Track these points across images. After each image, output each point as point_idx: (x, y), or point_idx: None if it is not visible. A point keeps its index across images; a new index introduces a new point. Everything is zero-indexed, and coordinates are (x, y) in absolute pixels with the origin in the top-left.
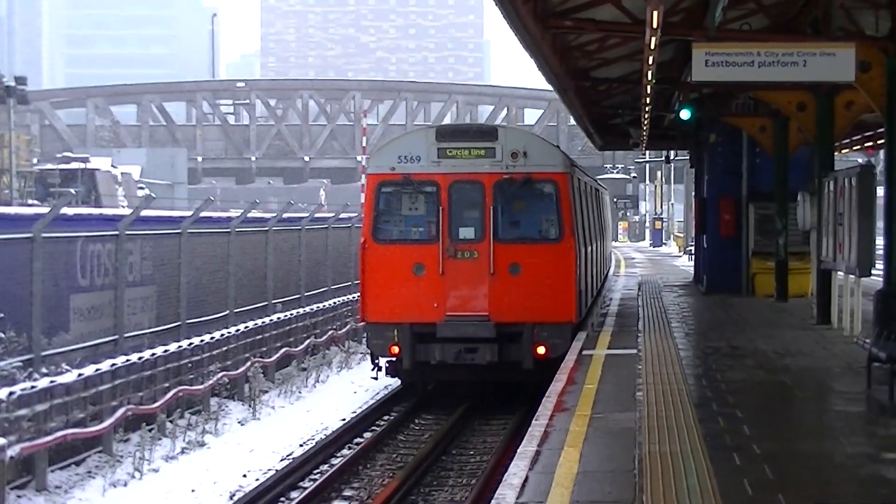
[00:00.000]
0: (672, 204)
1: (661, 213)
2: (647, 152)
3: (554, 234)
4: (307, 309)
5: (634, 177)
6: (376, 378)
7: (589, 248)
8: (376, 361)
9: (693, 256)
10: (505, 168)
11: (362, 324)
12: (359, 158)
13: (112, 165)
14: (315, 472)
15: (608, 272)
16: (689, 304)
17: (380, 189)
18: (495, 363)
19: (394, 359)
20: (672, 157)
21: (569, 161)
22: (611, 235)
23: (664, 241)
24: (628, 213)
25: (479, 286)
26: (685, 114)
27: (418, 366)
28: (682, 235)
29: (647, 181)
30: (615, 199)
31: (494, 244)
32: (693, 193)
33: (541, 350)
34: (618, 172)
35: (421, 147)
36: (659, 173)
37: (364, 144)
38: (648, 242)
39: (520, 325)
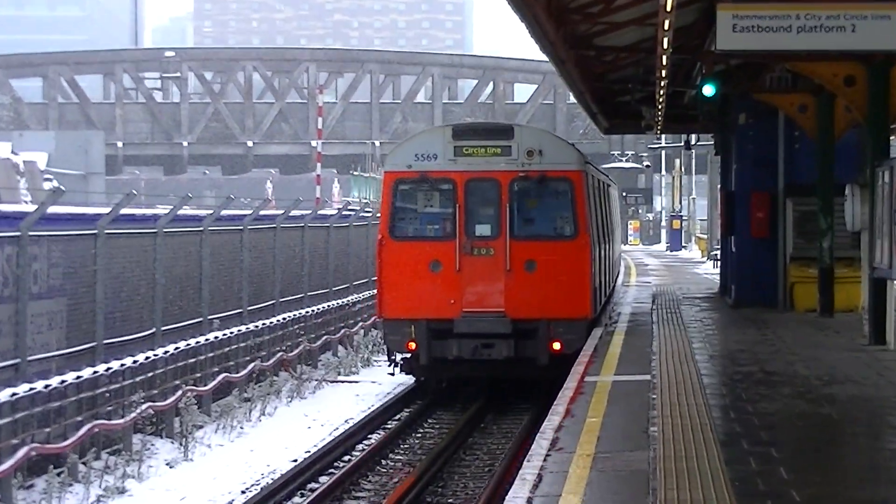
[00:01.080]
0: (693, 199)
1: (680, 211)
2: (663, 137)
3: (569, 231)
4: (251, 326)
5: (647, 166)
6: (393, 374)
7: (602, 247)
8: (392, 358)
9: (719, 263)
10: (520, 166)
11: (378, 320)
12: (313, 144)
13: (12, 152)
14: None
15: (616, 280)
16: (713, 320)
17: (397, 186)
18: (511, 359)
19: (410, 355)
20: (693, 143)
21: (583, 159)
22: (620, 237)
23: (684, 244)
24: (640, 211)
25: (495, 282)
26: (708, 90)
27: (435, 362)
28: (705, 237)
29: (663, 171)
30: (624, 194)
31: (510, 241)
32: (719, 186)
33: (556, 346)
34: (627, 161)
35: (437, 145)
36: (677, 162)
37: (320, 126)
38: (665, 245)
39: (535, 322)
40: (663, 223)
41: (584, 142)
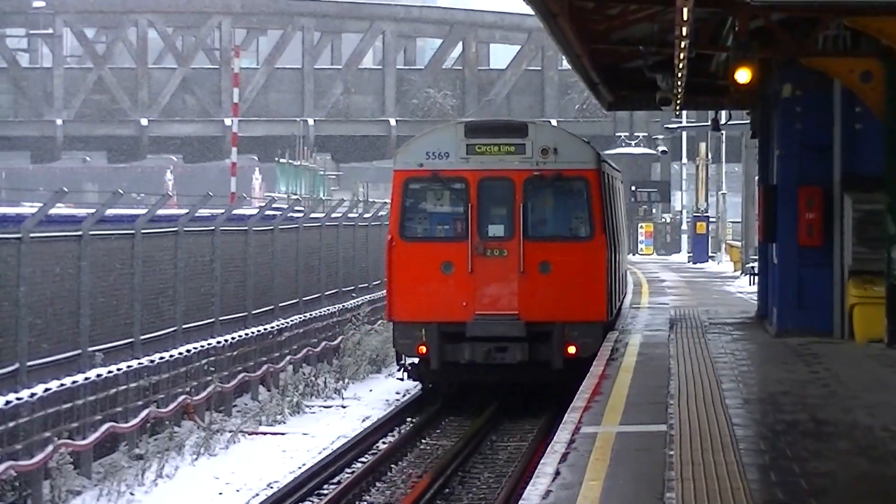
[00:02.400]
0: (723, 195)
1: (706, 210)
2: (684, 114)
3: (584, 231)
4: (145, 361)
5: (664, 152)
6: (402, 379)
7: (616, 249)
8: (402, 363)
9: (756, 278)
10: (535, 165)
11: (390, 322)
12: (227, 122)
13: None
14: None
15: (623, 299)
16: (749, 352)
17: (407, 185)
18: (525, 363)
19: (419, 360)
20: (723, 122)
21: (599, 157)
22: (626, 243)
23: (711, 254)
24: (654, 210)
25: (508, 284)
26: (743, 76)
27: (446, 366)
28: (738, 245)
29: (684, 159)
30: (634, 188)
31: (524, 242)
32: (756, 179)
33: (571, 350)
34: (637, 145)
35: (450, 143)
36: (702, 147)
37: (236, 100)
38: (686, 256)
39: (550, 325)
40: (684, 226)
41: (582, 120)
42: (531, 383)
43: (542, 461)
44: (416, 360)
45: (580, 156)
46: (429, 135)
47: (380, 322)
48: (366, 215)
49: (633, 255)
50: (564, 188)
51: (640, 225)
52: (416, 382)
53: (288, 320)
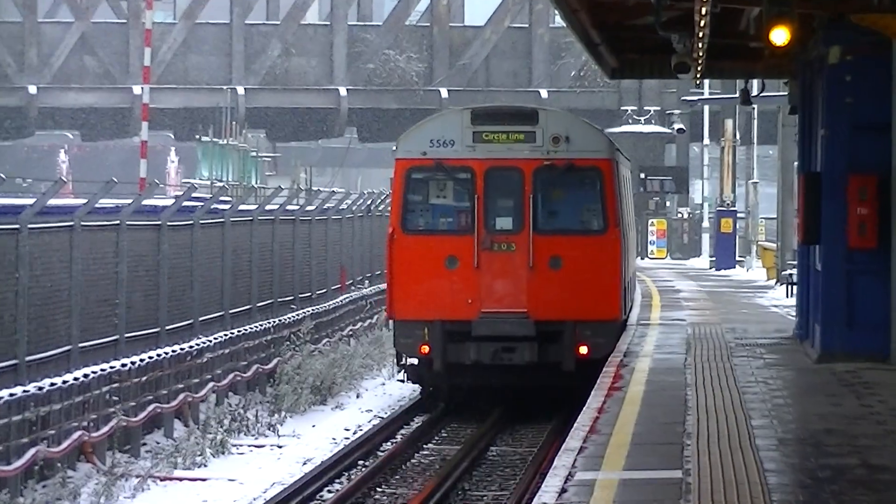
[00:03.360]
0: (755, 185)
1: (733, 204)
2: (706, 84)
3: (597, 225)
4: (31, 388)
5: (680, 131)
6: (403, 381)
7: (628, 246)
8: (402, 363)
9: (795, 288)
10: (545, 154)
11: (390, 320)
12: (137, 90)
13: None
14: None
15: (630, 309)
16: (786, 381)
17: (409, 175)
18: (534, 364)
19: (419, 361)
20: (755, 94)
21: (613, 146)
22: (635, 243)
23: (740, 258)
24: (668, 203)
25: (516, 280)
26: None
27: (450, 367)
28: (773, 247)
29: (706, 140)
30: (644, 175)
31: (534, 235)
32: (795, 165)
33: (583, 350)
34: (647, 122)
35: (455, 130)
36: (729, 125)
37: (147, 63)
38: (708, 260)
39: (561, 323)
40: (706, 223)
41: (579, 91)
42: (540, 386)
43: None
44: (415, 362)
45: (593, 144)
46: (432, 121)
47: (325, 342)
48: (309, 208)
49: (642, 258)
50: (576, 179)
51: (650, 221)
52: (416, 386)
53: (210, 338)
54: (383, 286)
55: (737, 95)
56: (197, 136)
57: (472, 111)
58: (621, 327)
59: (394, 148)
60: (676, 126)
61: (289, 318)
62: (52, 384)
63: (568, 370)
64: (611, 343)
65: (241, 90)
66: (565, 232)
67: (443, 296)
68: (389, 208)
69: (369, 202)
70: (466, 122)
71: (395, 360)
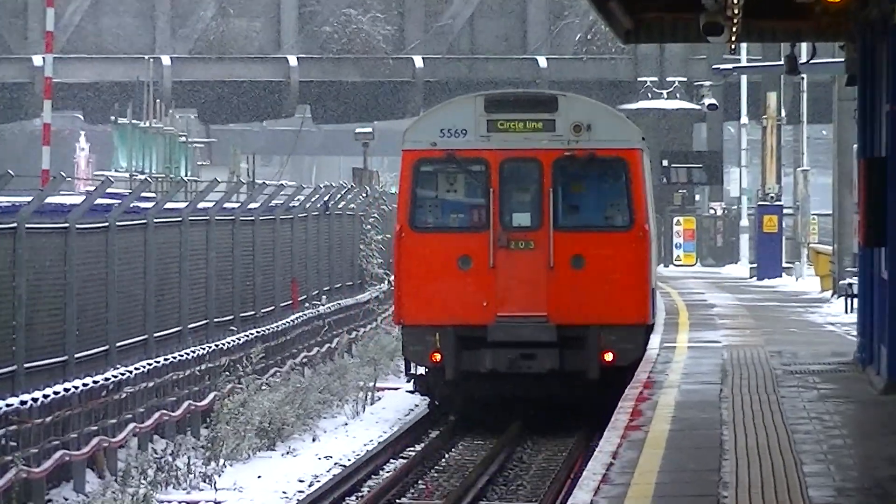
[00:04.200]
0: (805, 173)
1: (778, 197)
2: (743, 49)
3: (623, 220)
4: None
5: (712, 107)
6: (413, 392)
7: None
8: (412, 372)
9: (856, 301)
10: (566, 143)
11: (398, 326)
12: (37, 61)
13: None
14: None
15: (653, 321)
16: (845, 417)
17: (418, 168)
18: (556, 372)
19: (430, 370)
20: (804, 61)
21: (640, 134)
22: (657, 246)
23: (787, 264)
24: (698, 197)
25: (536, 281)
26: None
27: (463, 377)
28: (828, 251)
29: (744, 119)
30: (665, 163)
31: (554, 232)
32: (855, 149)
33: (608, 357)
34: (671, 96)
35: (467, 118)
36: (772, 99)
37: (50, 27)
38: (749, 267)
39: (584, 328)
40: (745, 222)
41: (585, 59)
42: (562, 397)
43: None
44: (424, 371)
45: (619, 133)
46: (443, 109)
47: (274, 372)
48: (252, 206)
49: (665, 266)
50: (600, 170)
51: (675, 220)
52: (384, 429)
53: (130, 368)
54: (344, 302)
55: (781, 63)
56: (112, 118)
57: (485, 97)
58: (649, 332)
59: (402, 140)
60: (707, 101)
61: (228, 342)
62: None
63: (592, 379)
64: (639, 349)
65: (166, 60)
66: (588, 228)
67: (455, 299)
68: (394, 205)
69: (326, 198)
70: (480, 110)
71: (405, 370)
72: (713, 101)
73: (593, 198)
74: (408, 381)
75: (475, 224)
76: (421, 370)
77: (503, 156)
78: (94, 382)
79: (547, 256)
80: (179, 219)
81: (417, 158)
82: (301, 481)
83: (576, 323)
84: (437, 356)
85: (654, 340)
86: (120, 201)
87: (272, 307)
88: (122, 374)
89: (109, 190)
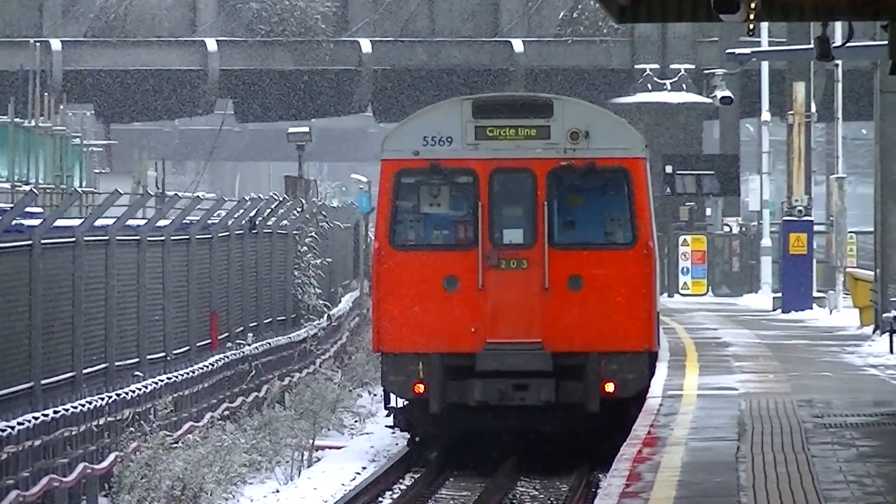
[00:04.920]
0: (841, 181)
1: (807, 209)
2: (763, 29)
3: (625, 237)
4: None
5: (726, 101)
6: (392, 428)
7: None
8: (391, 405)
9: None
10: (562, 152)
11: (378, 354)
12: None
13: None
14: None
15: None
16: (890, 480)
17: (399, 179)
18: (551, 404)
19: (412, 402)
20: (838, 44)
21: (644, 142)
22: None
23: (819, 293)
24: (709, 211)
25: (529, 305)
26: None
27: (449, 410)
28: (868, 276)
29: (765, 115)
30: (668, 169)
31: (549, 250)
32: None
33: (609, 387)
34: (675, 88)
35: (453, 124)
36: (799, 91)
37: None
38: (772, 298)
39: (582, 356)
40: (766, 241)
41: (571, 41)
42: (558, 431)
43: None
44: (405, 404)
45: (620, 140)
46: (427, 114)
47: (189, 427)
48: (161, 223)
49: (670, 295)
50: (600, 182)
51: (682, 239)
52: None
53: (12, 423)
54: (275, 341)
55: (810, 46)
56: None
57: (473, 101)
58: (654, 361)
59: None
60: (720, 94)
61: (133, 391)
62: None
63: (591, 412)
64: (642, 379)
65: (56, 45)
66: (587, 246)
67: (441, 324)
68: (375, 220)
69: (253, 214)
70: (467, 115)
71: (384, 402)
72: (727, 93)
73: (592, 212)
74: (387, 415)
75: (462, 241)
76: (402, 402)
77: (493, 166)
78: None
79: (541, 277)
80: (73, 239)
81: (398, 169)
82: None
83: (573, 350)
84: (421, 387)
85: (657, 387)
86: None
87: (186, 347)
88: (2, 431)
89: None
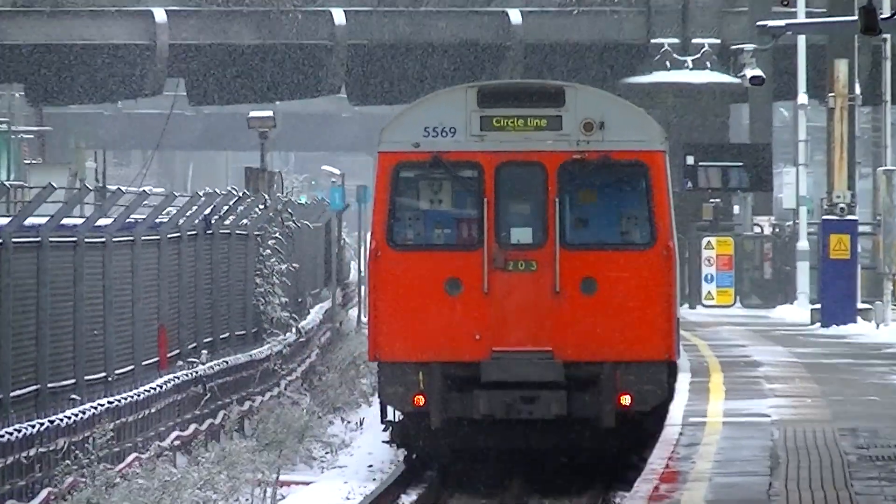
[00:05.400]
0: (889, 175)
1: (850, 207)
2: None
3: (643, 237)
4: None
5: (756, 81)
6: (390, 443)
7: None
8: (388, 420)
9: None
10: (575, 144)
11: (374, 363)
12: None
13: None
14: None
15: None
16: None
17: (398, 174)
18: (563, 419)
19: (410, 415)
20: (886, 15)
21: (663, 133)
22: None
23: (863, 304)
24: (737, 209)
25: (538, 310)
26: None
27: (452, 424)
28: None
29: (803, 97)
30: (689, 160)
31: (561, 251)
32: None
33: (625, 400)
34: (698, 66)
35: (457, 114)
36: (842, 70)
37: None
38: (808, 309)
39: (596, 366)
40: (803, 243)
41: (578, 11)
42: (570, 447)
43: None
44: (401, 417)
45: (637, 132)
46: (428, 102)
47: (134, 459)
48: (103, 222)
49: (691, 306)
50: (615, 177)
51: (705, 241)
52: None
53: None
54: (234, 359)
55: (854, 18)
56: None
57: (478, 89)
58: (674, 372)
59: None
60: (750, 73)
61: (68, 417)
62: None
63: (606, 426)
64: (661, 391)
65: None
66: (601, 246)
67: (442, 330)
68: (372, 217)
69: (208, 211)
70: (472, 104)
71: (380, 416)
72: (758, 72)
73: (607, 209)
74: (384, 430)
75: (466, 241)
76: (399, 416)
77: (499, 159)
78: None
79: (552, 280)
80: None
81: (397, 162)
82: None
83: (586, 360)
84: (421, 399)
85: (676, 412)
86: None
87: (131, 366)
88: None
89: None
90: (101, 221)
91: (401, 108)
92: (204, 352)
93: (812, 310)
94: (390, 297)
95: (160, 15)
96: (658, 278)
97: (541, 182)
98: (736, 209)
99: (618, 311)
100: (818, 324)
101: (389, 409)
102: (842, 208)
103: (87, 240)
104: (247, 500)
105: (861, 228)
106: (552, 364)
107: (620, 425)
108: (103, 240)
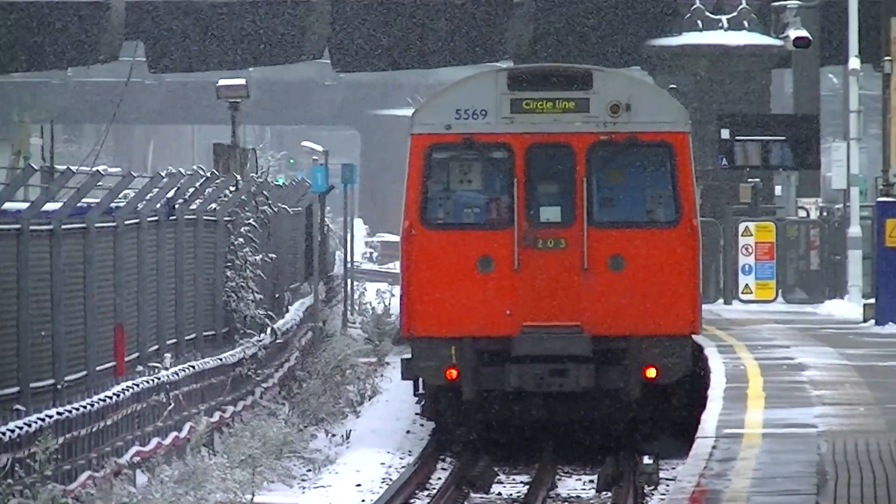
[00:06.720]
0: None
1: None
2: None
3: (668, 215)
4: None
5: (800, 43)
6: (421, 415)
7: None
8: (420, 392)
9: None
10: (602, 126)
11: (408, 339)
12: None
13: None
14: None
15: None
16: None
17: (430, 155)
18: (591, 390)
19: (442, 388)
20: None
21: (687, 115)
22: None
23: None
24: (778, 190)
25: (567, 286)
26: None
27: (483, 397)
28: None
29: (855, 62)
30: (729, 136)
31: (589, 229)
32: None
33: (651, 372)
34: (731, 28)
35: (488, 97)
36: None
37: None
38: (861, 305)
39: (623, 339)
40: (855, 229)
41: None
42: (598, 418)
43: None
44: (432, 391)
45: (663, 114)
46: (460, 86)
47: (87, 477)
48: (50, 206)
49: (726, 302)
50: (642, 157)
51: (742, 227)
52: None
53: None
54: (202, 364)
55: None
56: None
57: (508, 73)
58: (698, 346)
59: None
60: (794, 34)
61: (11, 430)
62: None
63: (632, 398)
64: (686, 364)
65: None
66: (628, 224)
67: (474, 306)
68: (404, 197)
69: (172, 193)
70: (502, 87)
71: (413, 390)
72: (803, 33)
73: (634, 189)
74: (417, 402)
75: (497, 220)
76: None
77: (529, 140)
78: None
79: (580, 257)
80: None
81: (429, 144)
82: None
83: (614, 334)
84: (454, 373)
85: (709, 424)
86: None
87: (83, 372)
88: None
89: None
90: (49, 206)
91: (389, 75)
92: (167, 355)
93: (865, 305)
94: (424, 274)
95: None
96: (683, 255)
97: (569, 162)
98: (778, 190)
99: (644, 287)
100: (872, 321)
101: (422, 383)
102: None
103: (31, 227)
104: None
105: None
106: (581, 338)
107: (646, 397)
108: (51, 227)
